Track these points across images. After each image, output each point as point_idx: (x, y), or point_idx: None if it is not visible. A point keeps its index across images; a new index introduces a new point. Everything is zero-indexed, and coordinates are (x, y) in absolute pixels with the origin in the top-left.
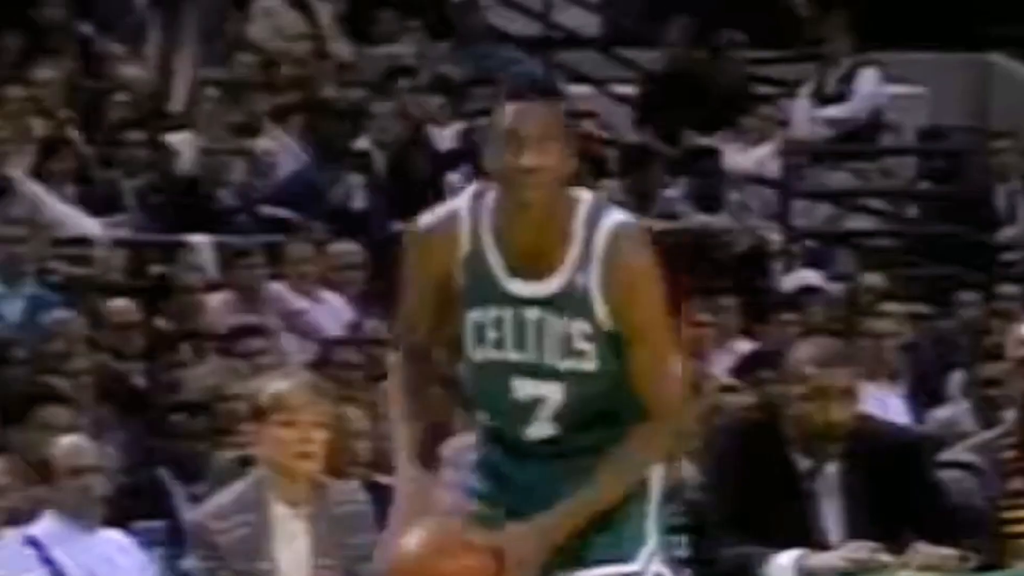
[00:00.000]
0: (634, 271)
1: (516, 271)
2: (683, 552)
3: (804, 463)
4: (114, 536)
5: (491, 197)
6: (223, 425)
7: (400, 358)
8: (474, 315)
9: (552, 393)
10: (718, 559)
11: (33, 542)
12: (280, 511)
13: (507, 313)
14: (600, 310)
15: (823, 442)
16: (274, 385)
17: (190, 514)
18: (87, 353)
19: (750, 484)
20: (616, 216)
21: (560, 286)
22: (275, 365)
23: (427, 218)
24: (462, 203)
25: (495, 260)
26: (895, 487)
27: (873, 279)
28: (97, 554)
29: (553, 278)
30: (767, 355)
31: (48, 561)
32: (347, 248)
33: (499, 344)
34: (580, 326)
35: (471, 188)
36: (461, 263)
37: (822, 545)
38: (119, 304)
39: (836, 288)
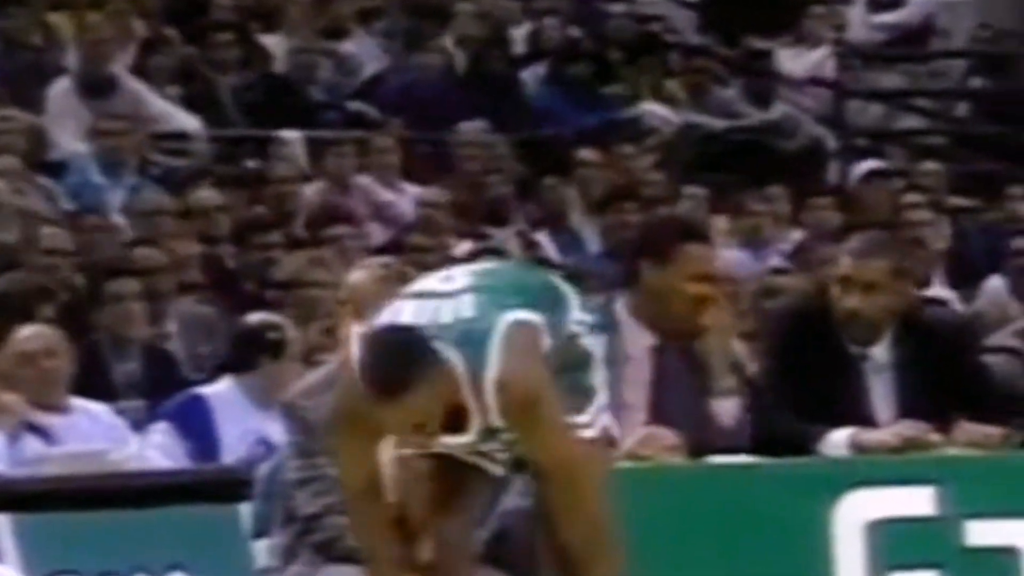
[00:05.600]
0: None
1: None
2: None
3: (854, 346)
4: None
5: None
6: (308, 306)
7: None
8: None
9: None
10: (776, 435)
11: (199, 399)
12: None
13: None
14: None
15: (865, 328)
16: (352, 276)
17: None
18: (179, 236)
19: (804, 365)
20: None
21: None
22: (360, 251)
23: None
24: None
25: None
26: (943, 370)
27: (929, 167)
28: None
29: None
30: (818, 243)
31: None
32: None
33: None
34: None
35: None
36: None
37: (873, 423)
38: (206, 193)
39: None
